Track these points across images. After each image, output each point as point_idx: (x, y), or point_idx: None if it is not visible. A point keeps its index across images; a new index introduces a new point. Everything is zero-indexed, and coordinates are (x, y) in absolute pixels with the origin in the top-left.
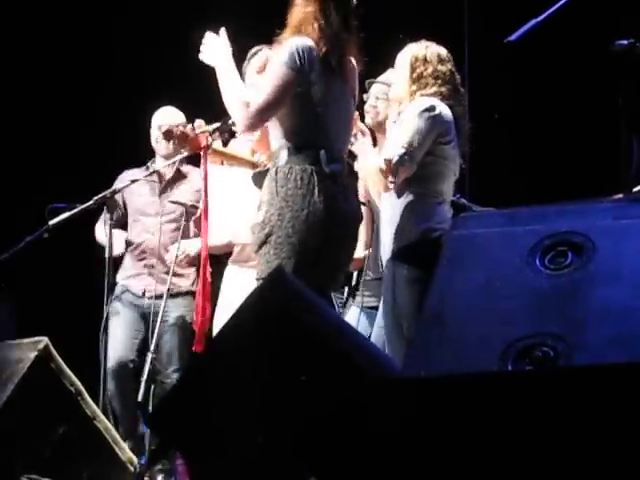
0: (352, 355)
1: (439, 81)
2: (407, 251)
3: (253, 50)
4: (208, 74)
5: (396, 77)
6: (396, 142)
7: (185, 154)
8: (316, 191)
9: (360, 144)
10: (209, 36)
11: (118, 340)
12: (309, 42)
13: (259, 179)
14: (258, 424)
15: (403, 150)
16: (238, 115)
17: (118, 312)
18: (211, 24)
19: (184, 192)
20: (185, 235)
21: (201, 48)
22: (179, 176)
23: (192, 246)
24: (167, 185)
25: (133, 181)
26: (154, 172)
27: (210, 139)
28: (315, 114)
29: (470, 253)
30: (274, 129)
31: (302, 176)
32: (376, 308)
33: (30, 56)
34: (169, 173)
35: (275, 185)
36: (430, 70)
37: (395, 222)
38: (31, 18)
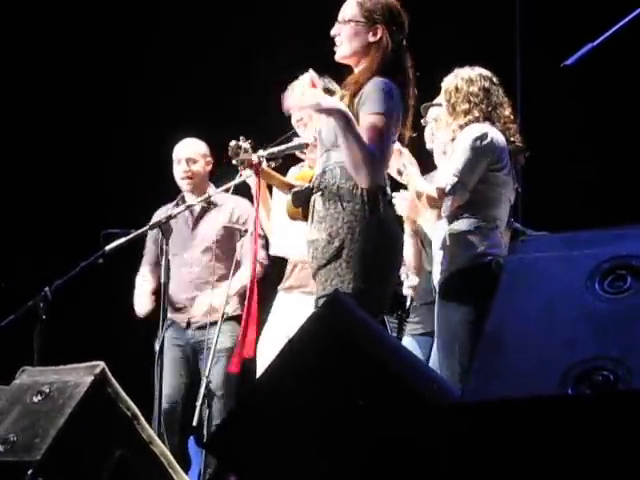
0: (410, 379)
1: (471, 104)
2: (458, 276)
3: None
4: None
5: (440, 115)
6: (448, 170)
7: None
8: (380, 211)
9: (409, 173)
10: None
11: (165, 387)
12: (391, 83)
13: (299, 197)
14: (319, 450)
15: (455, 179)
16: (367, 170)
17: (165, 352)
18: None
19: (213, 220)
20: (219, 259)
21: (303, 97)
22: (209, 206)
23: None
24: (199, 217)
25: (170, 217)
26: (188, 207)
27: (262, 159)
28: None
29: (529, 277)
30: (333, 150)
31: (368, 196)
32: (425, 334)
33: (80, 84)
34: (199, 206)
35: (340, 200)
36: (461, 97)
37: (447, 248)
38: (67, 48)
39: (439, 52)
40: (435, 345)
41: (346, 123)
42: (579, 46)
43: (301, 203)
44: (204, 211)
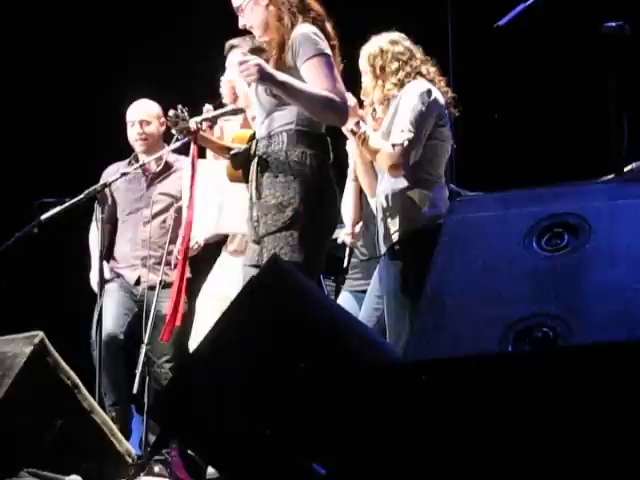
0: (351, 342)
1: (400, 62)
2: (416, 237)
3: (229, 43)
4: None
5: (365, 83)
6: (400, 126)
7: (169, 147)
8: (329, 178)
9: (366, 132)
10: (238, 55)
11: (109, 315)
12: (312, 27)
13: (239, 159)
14: (261, 415)
15: (411, 134)
16: (330, 111)
17: (110, 292)
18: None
19: (172, 184)
20: (176, 225)
21: (239, 69)
22: (166, 168)
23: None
24: (154, 177)
25: (124, 174)
26: (142, 165)
27: (200, 125)
28: None
29: (467, 237)
30: (278, 111)
31: (317, 163)
32: (364, 292)
33: (17, 47)
34: (155, 165)
35: (289, 168)
36: (389, 58)
37: (398, 208)
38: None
39: (368, 15)
40: (373, 303)
41: (285, 85)
42: (512, 6)
43: (241, 165)
44: (160, 172)
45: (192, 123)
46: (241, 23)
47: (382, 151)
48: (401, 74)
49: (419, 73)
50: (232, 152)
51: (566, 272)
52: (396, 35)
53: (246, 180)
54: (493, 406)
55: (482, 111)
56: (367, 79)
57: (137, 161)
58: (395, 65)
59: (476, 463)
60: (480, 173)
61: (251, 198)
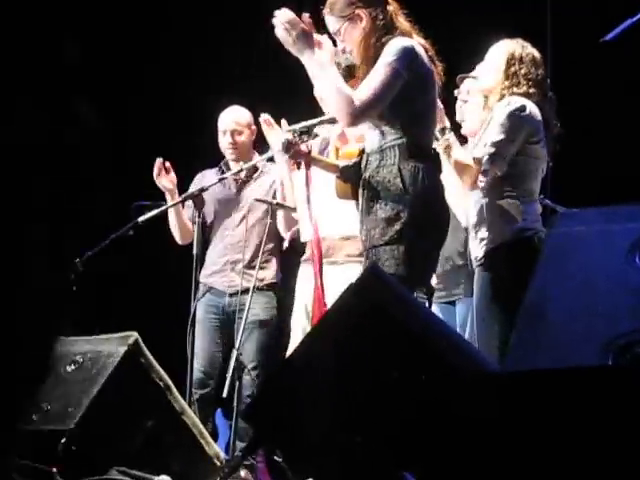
0: (448, 353)
1: (530, 83)
2: (501, 251)
3: None
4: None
5: (487, 69)
6: (485, 140)
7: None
8: (440, 192)
9: (447, 140)
10: (285, 13)
11: (200, 355)
12: (412, 42)
13: (350, 173)
14: (353, 422)
15: (493, 149)
16: (341, 109)
17: (201, 320)
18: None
19: (260, 187)
20: (268, 228)
21: (276, 23)
22: (254, 171)
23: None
24: (244, 182)
25: (221, 179)
26: (236, 173)
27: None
28: (430, 112)
29: (570, 250)
30: (386, 124)
31: (429, 177)
32: (449, 303)
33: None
34: (244, 172)
35: (402, 182)
36: (524, 71)
37: (486, 221)
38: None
39: (467, 26)
40: (470, 316)
41: (312, 62)
42: (618, 21)
43: (350, 179)
44: (249, 177)
45: (304, 146)
46: (340, 46)
47: (462, 163)
48: (523, 80)
49: (539, 103)
50: (343, 165)
51: None
52: (540, 57)
53: (355, 196)
54: (592, 421)
55: (578, 127)
56: (492, 69)
57: (228, 168)
58: (523, 70)
59: (574, 477)
60: (576, 188)
61: (361, 212)
